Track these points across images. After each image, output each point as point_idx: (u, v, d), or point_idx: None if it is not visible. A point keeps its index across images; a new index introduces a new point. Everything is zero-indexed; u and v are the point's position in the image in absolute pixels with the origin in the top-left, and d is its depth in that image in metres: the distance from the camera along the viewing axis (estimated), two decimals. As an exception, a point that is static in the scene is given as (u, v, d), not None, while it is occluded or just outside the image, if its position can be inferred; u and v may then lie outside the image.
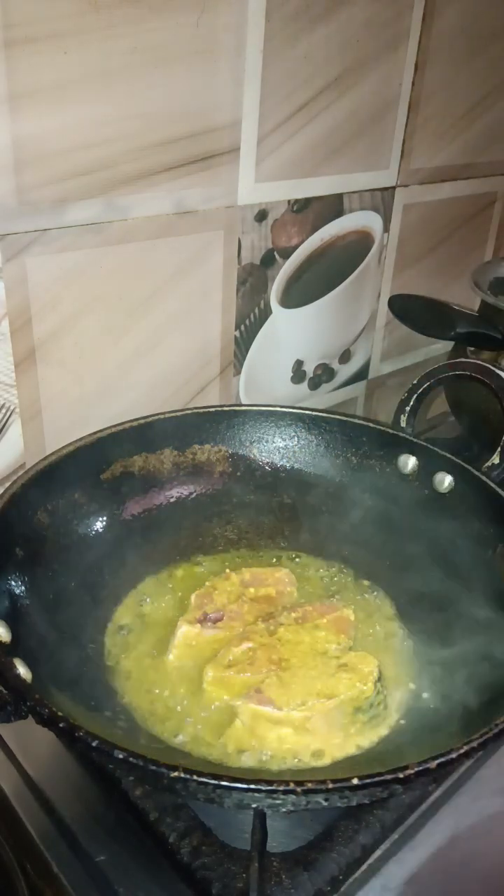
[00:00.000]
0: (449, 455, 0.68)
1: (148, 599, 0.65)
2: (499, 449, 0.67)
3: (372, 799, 0.43)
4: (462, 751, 0.42)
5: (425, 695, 0.57)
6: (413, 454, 0.71)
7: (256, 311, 0.90)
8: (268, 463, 0.76)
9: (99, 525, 0.67)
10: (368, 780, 0.40)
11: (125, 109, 0.68)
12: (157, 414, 0.72)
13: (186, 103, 0.72)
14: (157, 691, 0.56)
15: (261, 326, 0.92)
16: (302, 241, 0.90)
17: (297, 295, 0.94)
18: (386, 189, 0.97)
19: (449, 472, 0.68)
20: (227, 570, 0.66)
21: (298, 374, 1.00)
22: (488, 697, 0.52)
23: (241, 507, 0.74)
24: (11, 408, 0.72)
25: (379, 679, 0.55)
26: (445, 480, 0.68)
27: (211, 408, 0.75)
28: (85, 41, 0.63)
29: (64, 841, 0.50)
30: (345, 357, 1.05)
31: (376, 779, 0.41)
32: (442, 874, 0.50)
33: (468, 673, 0.57)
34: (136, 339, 0.80)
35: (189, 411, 0.74)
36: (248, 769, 0.51)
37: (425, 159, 0.99)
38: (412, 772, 0.41)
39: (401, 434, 0.72)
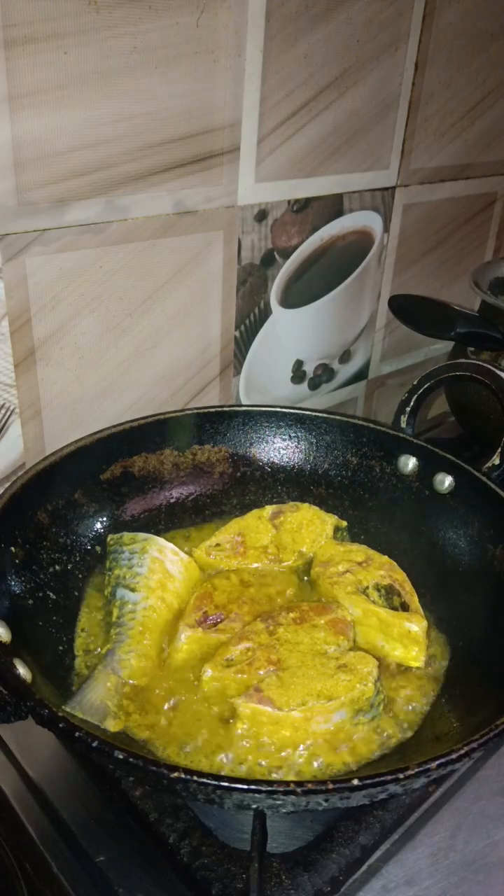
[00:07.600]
0: (449, 456, 0.68)
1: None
2: (499, 449, 0.67)
3: (372, 800, 0.43)
4: (462, 752, 0.42)
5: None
6: (413, 455, 0.71)
7: (256, 311, 0.90)
8: (268, 463, 0.76)
9: (99, 525, 0.67)
10: (368, 781, 0.40)
11: (125, 109, 0.68)
12: (157, 414, 0.72)
13: (186, 103, 0.72)
14: (157, 691, 0.56)
15: (261, 326, 0.91)
16: (302, 241, 0.90)
17: (298, 295, 0.93)
18: (386, 189, 0.97)
19: (449, 473, 0.68)
20: (227, 571, 0.66)
21: (298, 374, 1.00)
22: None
23: (241, 508, 0.74)
24: (11, 408, 0.72)
25: (378, 678, 0.55)
26: (446, 481, 0.68)
27: (211, 408, 0.75)
28: (85, 41, 0.63)
29: (64, 841, 0.50)
30: (345, 357, 1.05)
31: (376, 780, 0.41)
32: (442, 875, 0.50)
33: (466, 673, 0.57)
34: (136, 339, 0.79)
35: (189, 411, 0.74)
36: (248, 770, 0.51)
37: (425, 159, 0.99)
38: (412, 773, 0.41)
39: (401, 434, 0.72)
